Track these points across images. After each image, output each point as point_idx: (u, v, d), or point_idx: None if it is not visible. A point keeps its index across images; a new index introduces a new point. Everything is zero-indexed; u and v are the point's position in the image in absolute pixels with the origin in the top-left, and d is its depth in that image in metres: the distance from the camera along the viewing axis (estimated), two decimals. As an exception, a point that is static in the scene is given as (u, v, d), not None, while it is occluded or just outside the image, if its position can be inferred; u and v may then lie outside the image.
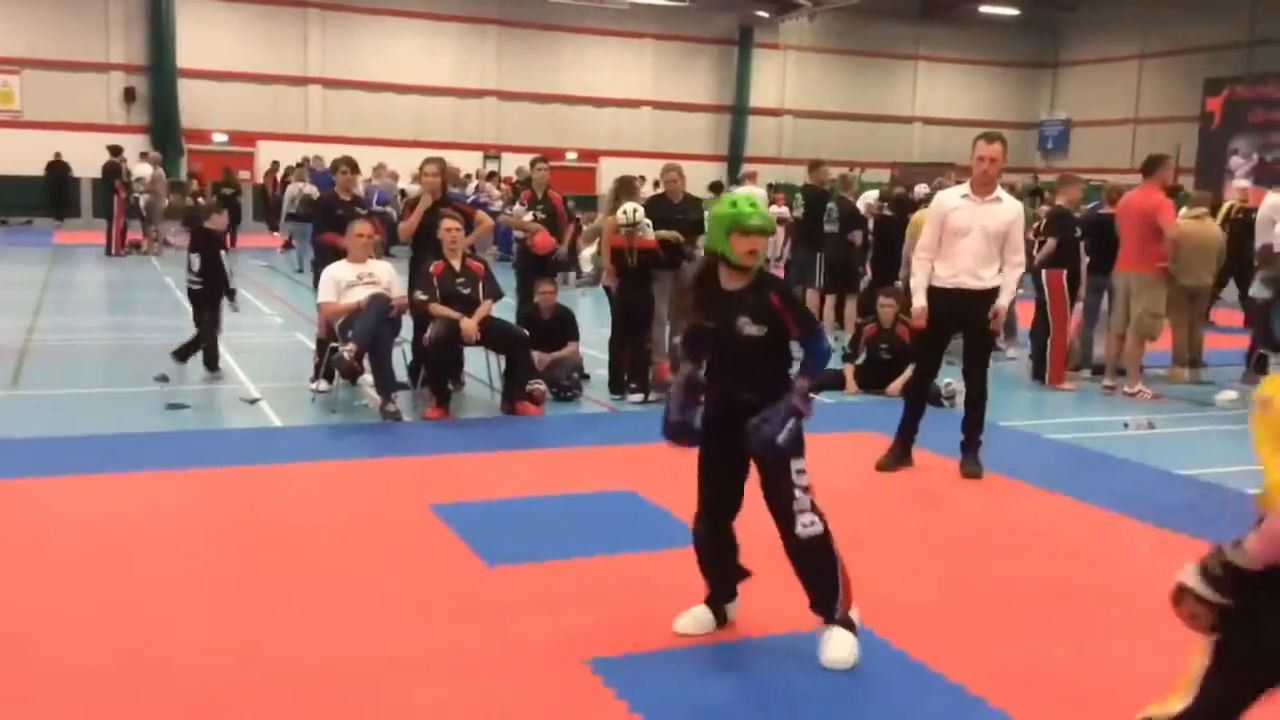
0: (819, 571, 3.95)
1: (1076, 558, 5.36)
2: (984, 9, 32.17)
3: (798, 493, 3.87)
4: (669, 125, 31.26)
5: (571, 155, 29.23)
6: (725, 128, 32.48)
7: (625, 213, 8.60)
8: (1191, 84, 27.33)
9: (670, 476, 5.21)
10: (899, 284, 11.25)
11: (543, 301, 8.87)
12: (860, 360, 9.45)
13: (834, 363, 10.04)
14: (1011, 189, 14.75)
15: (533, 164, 10.51)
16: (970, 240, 6.48)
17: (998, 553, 5.44)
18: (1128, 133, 30.25)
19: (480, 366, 8.79)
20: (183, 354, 8.91)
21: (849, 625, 3.98)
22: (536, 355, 8.48)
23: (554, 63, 30.10)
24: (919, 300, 6.61)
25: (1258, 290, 9.85)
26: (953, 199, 6.65)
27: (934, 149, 33.74)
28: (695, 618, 4.22)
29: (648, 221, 8.85)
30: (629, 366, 8.69)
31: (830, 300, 12.58)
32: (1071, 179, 10.91)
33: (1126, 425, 8.17)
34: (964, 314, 6.58)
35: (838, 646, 3.94)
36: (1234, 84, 20.95)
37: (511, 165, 25.10)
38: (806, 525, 3.88)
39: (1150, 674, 3.97)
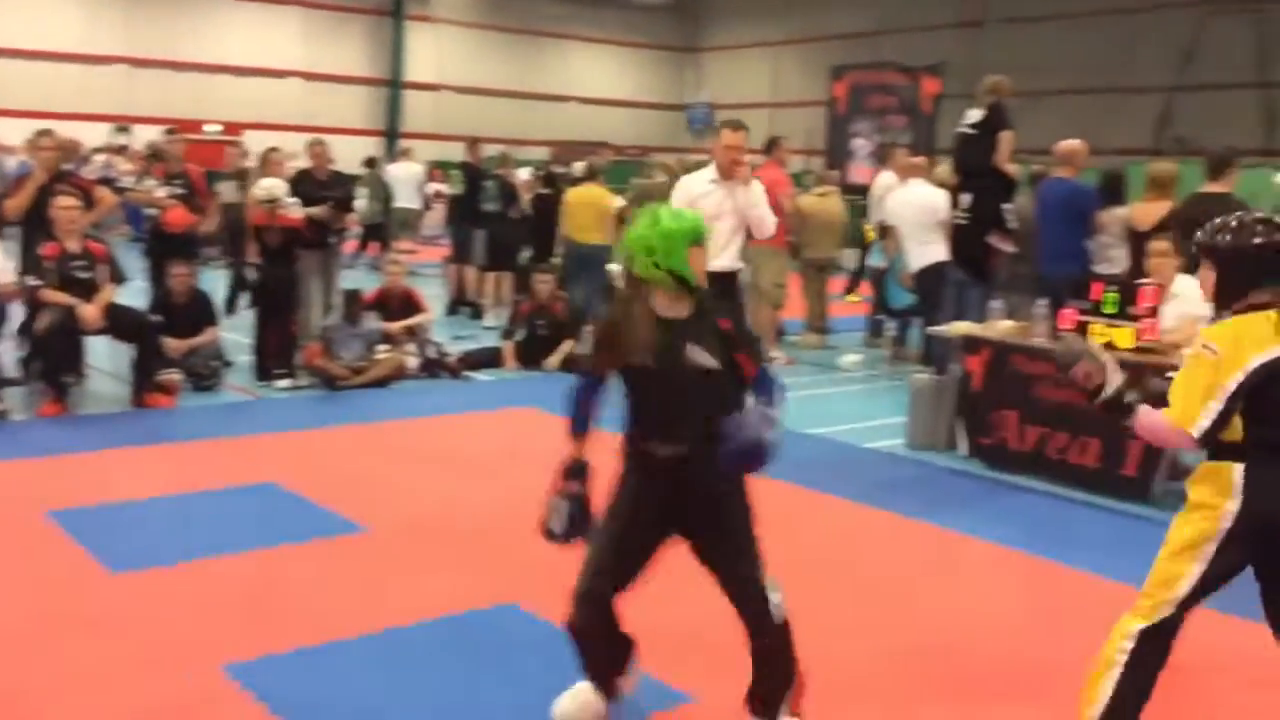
0: (778, 663, 3.33)
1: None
2: (633, -9, 33.17)
3: (764, 565, 3.26)
4: (321, 97, 29.99)
5: (214, 127, 27.44)
6: (382, 101, 31.64)
7: (263, 187, 8.18)
8: (821, 70, 29.39)
9: (312, 463, 5.05)
10: (555, 260, 11.41)
11: (176, 284, 8.25)
12: (519, 336, 9.49)
13: (492, 339, 10.09)
14: (668, 169, 15.30)
15: (164, 136, 9.81)
16: (724, 223, 6.77)
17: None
18: (766, 115, 32.17)
19: (106, 357, 8.06)
20: None
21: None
22: (171, 342, 7.90)
23: (191, 28, 28.07)
24: None
25: (877, 260, 10.77)
26: (700, 185, 6.89)
27: (590, 128, 34.46)
28: (576, 702, 3.45)
29: (294, 200, 8.47)
30: (274, 351, 8.28)
31: (492, 278, 12.54)
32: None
33: (765, 390, 8.68)
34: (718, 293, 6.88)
35: None
36: (855, 71, 22.73)
37: (145, 138, 23.23)
38: (777, 609, 3.25)
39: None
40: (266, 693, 3.54)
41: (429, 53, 32.30)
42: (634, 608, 3.95)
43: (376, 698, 3.57)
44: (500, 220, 12.22)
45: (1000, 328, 6.97)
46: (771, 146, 10.30)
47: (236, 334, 8.95)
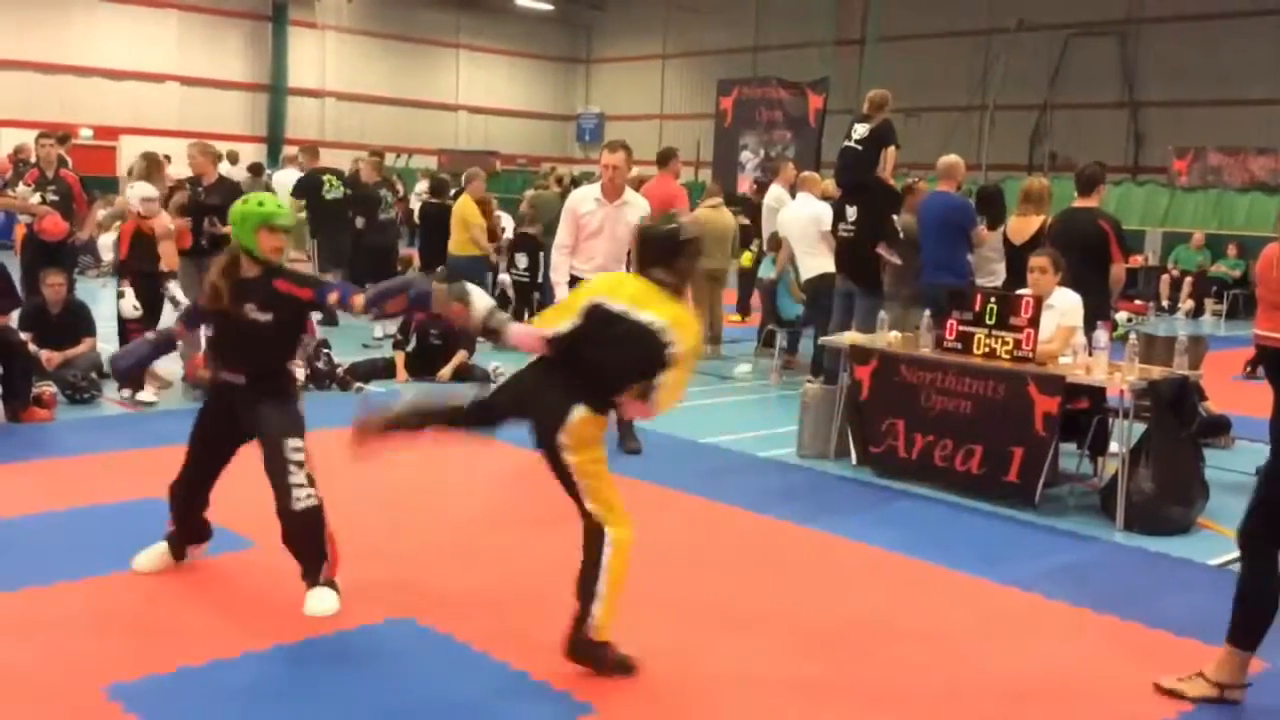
0: (309, 542, 4.29)
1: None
2: (520, 1, 33.08)
3: (292, 468, 4.22)
4: (200, 102, 29.23)
5: (87, 132, 26.51)
6: (263, 107, 30.96)
7: (138, 192, 7.97)
8: (707, 84, 29.80)
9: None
10: (443, 270, 11.32)
11: (51, 294, 7.96)
12: (411, 347, 9.37)
13: (385, 350, 9.95)
14: (559, 181, 15.32)
15: (37, 140, 9.46)
16: (601, 241, 6.96)
17: (532, 529, 5.59)
18: (655, 127, 32.44)
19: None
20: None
21: (333, 586, 4.33)
22: (45, 354, 7.62)
23: (60, 29, 27.07)
24: (563, 293, 6.93)
25: (766, 271, 10.94)
26: (586, 202, 7.05)
27: (479, 137, 34.30)
28: (151, 555, 4.58)
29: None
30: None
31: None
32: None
33: (658, 400, 8.74)
34: None
35: (320, 600, 4.25)
36: (742, 85, 23.04)
37: (12, 142, 22.28)
38: (301, 500, 4.21)
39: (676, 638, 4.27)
40: (150, 714, 3.43)
41: (313, 59, 31.75)
42: (540, 622, 3.97)
43: (264, 717, 3.50)
44: (382, 230, 12.13)
45: (888, 338, 7.14)
46: (666, 158, 10.37)
47: (112, 345, 8.64)
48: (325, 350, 8.96)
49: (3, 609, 4.19)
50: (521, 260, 12.04)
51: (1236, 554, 5.58)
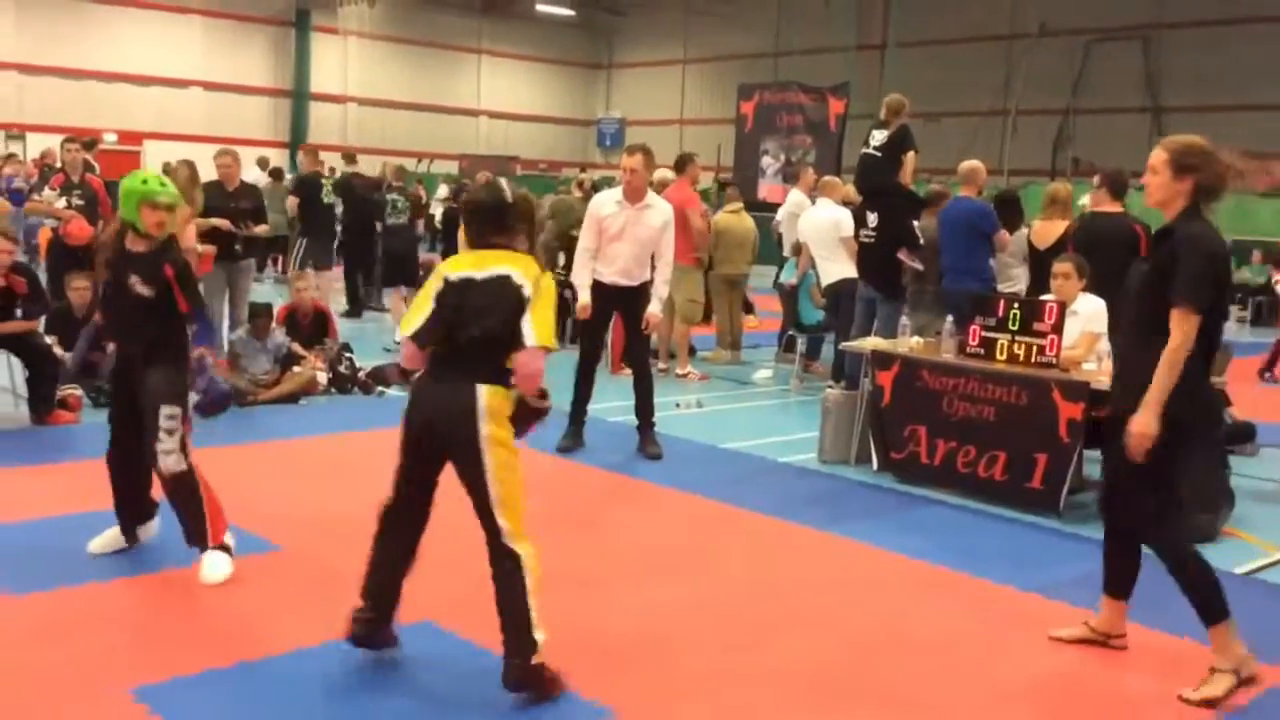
0: (185, 504, 4.55)
1: (612, 530, 5.65)
2: (541, 8, 33.15)
3: (163, 434, 4.47)
4: (223, 108, 29.42)
5: (111, 137, 26.70)
6: (286, 112, 31.14)
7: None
8: (728, 89, 29.82)
9: (223, 480, 4.94)
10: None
11: (76, 298, 8.02)
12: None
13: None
14: (582, 185, 15.36)
15: (63, 145, 9.58)
16: (623, 245, 6.98)
17: (541, 530, 5.60)
18: (675, 132, 32.45)
19: (7, 374, 7.76)
20: None
21: (224, 549, 4.59)
22: (71, 357, 7.67)
23: (85, 35, 27.26)
24: (583, 296, 7.03)
25: (787, 277, 10.93)
26: (607, 206, 7.06)
27: (499, 142, 34.38)
28: (105, 539, 4.76)
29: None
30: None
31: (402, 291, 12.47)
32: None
33: (678, 405, 8.76)
34: (620, 307, 7.17)
35: (212, 566, 4.51)
36: (763, 90, 23.06)
37: (38, 146, 22.50)
38: (169, 464, 4.48)
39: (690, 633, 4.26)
40: (176, 716, 3.46)
41: (335, 64, 31.91)
42: (561, 622, 3.97)
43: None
44: (393, 234, 12.22)
45: (909, 343, 7.13)
46: (683, 164, 10.37)
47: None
48: (347, 355, 9.01)
49: (33, 610, 4.23)
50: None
51: (1263, 561, 5.57)
